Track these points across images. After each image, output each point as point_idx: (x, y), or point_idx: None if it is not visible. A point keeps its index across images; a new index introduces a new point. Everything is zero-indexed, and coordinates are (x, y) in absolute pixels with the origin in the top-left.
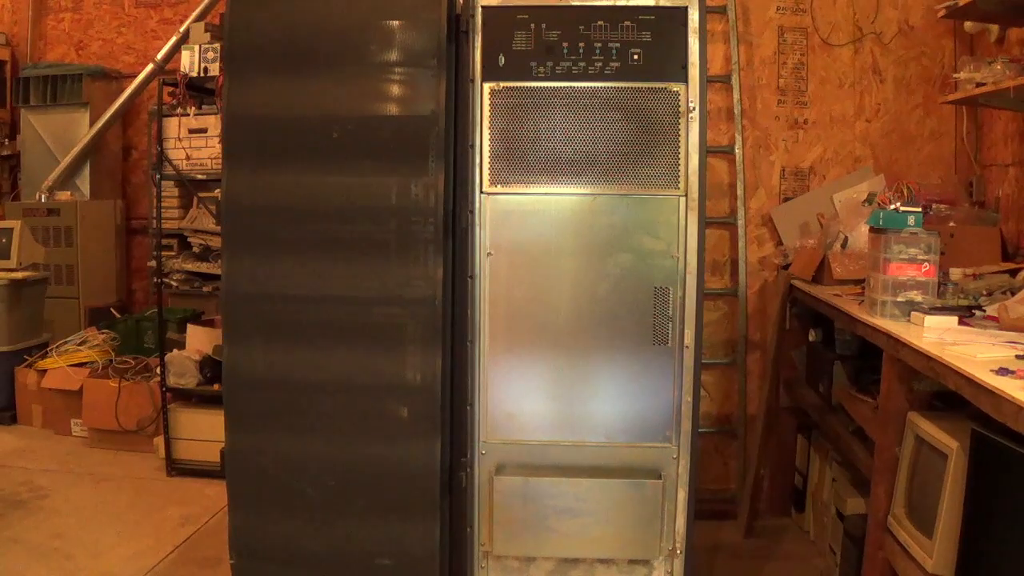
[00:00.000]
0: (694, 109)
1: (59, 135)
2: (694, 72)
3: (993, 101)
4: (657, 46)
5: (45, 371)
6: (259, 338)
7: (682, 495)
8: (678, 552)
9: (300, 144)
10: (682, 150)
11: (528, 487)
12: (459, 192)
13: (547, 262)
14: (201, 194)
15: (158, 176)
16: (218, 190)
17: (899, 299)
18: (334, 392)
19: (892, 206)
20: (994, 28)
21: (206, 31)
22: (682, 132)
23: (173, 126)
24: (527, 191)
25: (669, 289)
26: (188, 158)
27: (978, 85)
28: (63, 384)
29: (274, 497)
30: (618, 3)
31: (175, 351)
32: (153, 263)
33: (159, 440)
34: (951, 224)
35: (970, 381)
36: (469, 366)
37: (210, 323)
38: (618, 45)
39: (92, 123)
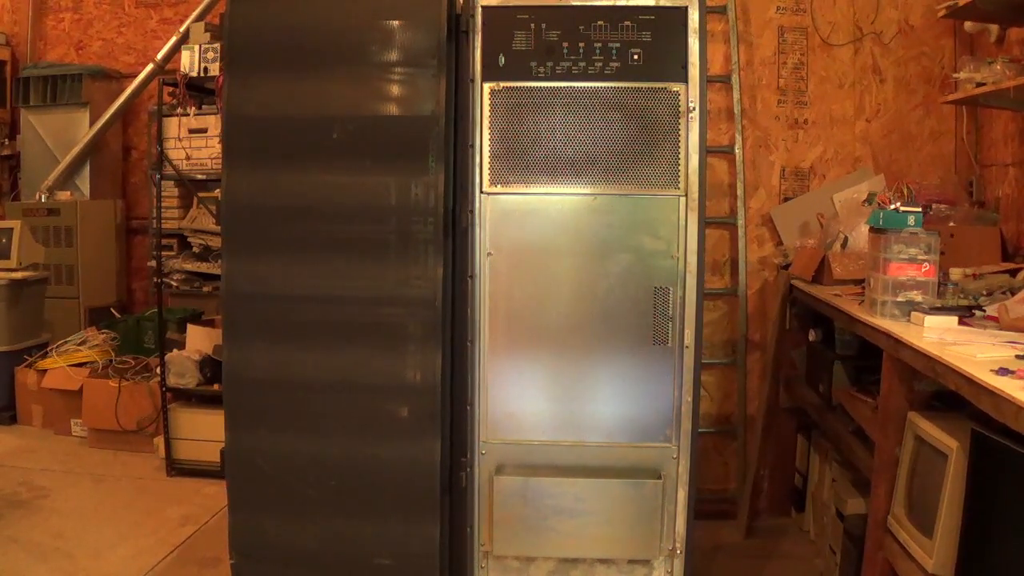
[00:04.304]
0: (694, 109)
1: (59, 135)
2: (694, 72)
3: (993, 101)
4: (657, 46)
5: (45, 371)
6: (259, 338)
7: (682, 495)
8: (678, 552)
9: (300, 144)
10: (682, 150)
11: (528, 487)
12: (459, 192)
13: (547, 262)
14: (201, 194)
15: (158, 176)
16: (218, 190)
17: (899, 299)
18: (334, 392)
19: (892, 206)
20: (994, 28)
21: (206, 31)
22: (682, 132)
23: (173, 126)
24: (527, 191)
25: (669, 289)
26: (188, 158)
27: (978, 85)
28: (63, 384)
29: (274, 497)
30: (618, 3)
31: (175, 351)
32: (153, 263)
33: (159, 440)
34: (951, 224)
35: (970, 381)
36: (469, 366)
37: (210, 323)
38: (618, 45)
39: (92, 123)
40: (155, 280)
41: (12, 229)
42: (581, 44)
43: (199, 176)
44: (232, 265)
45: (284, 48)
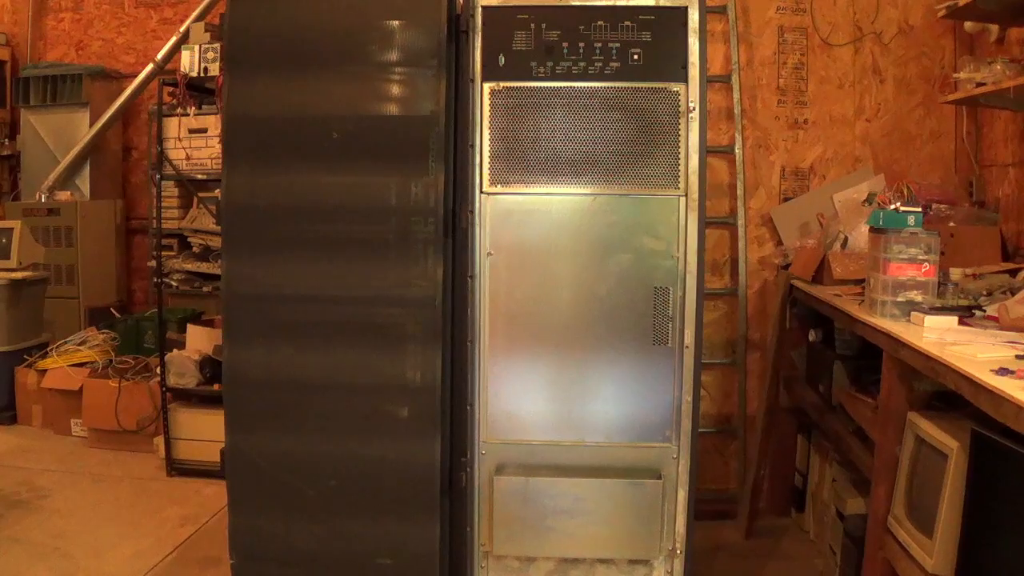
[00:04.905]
0: (694, 109)
1: (59, 135)
2: (694, 72)
3: (993, 101)
4: (657, 46)
5: (45, 371)
6: (259, 338)
7: (682, 495)
8: (678, 552)
9: (300, 144)
10: (682, 150)
11: (528, 487)
12: (459, 192)
13: (547, 262)
14: (201, 194)
15: (158, 176)
16: (218, 190)
17: (899, 299)
18: (334, 392)
19: (892, 206)
20: (994, 28)
21: (206, 31)
22: (682, 132)
23: (173, 126)
24: (527, 191)
25: (669, 289)
26: (188, 158)
27: (978, 85)
28: (63, 384)
29: (274, 497)
30: (618, 3)
31: (175, 351)
32: (153, 263)
33: (159, 440)
34: (951, 224)
35: (970, 381)
36: (469, 366)
37: (210, 323)
38: (618, 45)
39: (92, 123)
40: (155, 280)
41: (12, 229)
42: (581, 44)
43: (199, 176)
44: (232, 265)
45: (284, 48)
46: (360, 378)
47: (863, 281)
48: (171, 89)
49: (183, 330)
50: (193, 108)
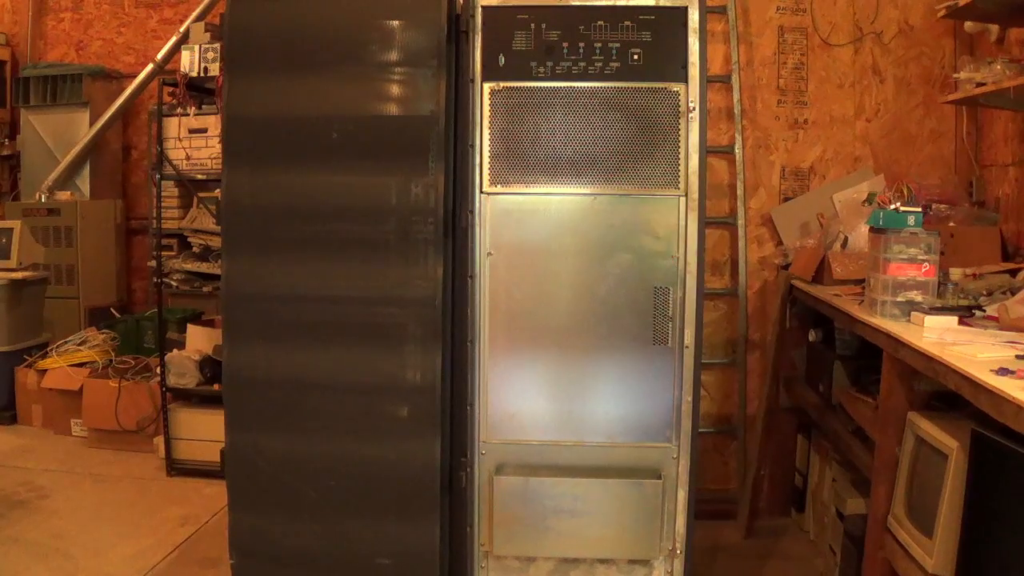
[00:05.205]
0: (694, 109)
1: (59, 135)
2: (694, 72)
3: (993, 101)
4: (657, 46)
5: (45, 371)
6: (259, 338)
7: (682, 495)
8: (678, 552)
9: (300, 144)
10: (682, 150)
11: (528, 487)
12: (459, 192)
13: (547, 262)
14: (201, 194)
15: (158, 176)
16: (218, 190)
17: (899, 299)
18: (334, 392)
19: (892, 206)
20: (994, 28)
21: (206, 31)
22: (682, 132)
23: (173, 126)
24: (527, 191)
25: (669, 289)
26: (188, 158)
27: (978, 85)
28: (63, 384)
29: (274, 497)
30: (618, 3)
31: (175, 351)
32: (153, 263)
33: (159, 440)
34: (951, 224)
35: (970, 381)
36: (469, 366)
37: (210, 323)
38: (618, 45)
39: (92, 123)
40: (155, 280)
41: (12, 229)
42: (581, 44)
43: (199, 176)
44: (232, 265)
45: (284, 48)
46: (360, 378)
47: (863, 281)
48: (171, 89)
49: (183, 330)
50: (193, 108)
